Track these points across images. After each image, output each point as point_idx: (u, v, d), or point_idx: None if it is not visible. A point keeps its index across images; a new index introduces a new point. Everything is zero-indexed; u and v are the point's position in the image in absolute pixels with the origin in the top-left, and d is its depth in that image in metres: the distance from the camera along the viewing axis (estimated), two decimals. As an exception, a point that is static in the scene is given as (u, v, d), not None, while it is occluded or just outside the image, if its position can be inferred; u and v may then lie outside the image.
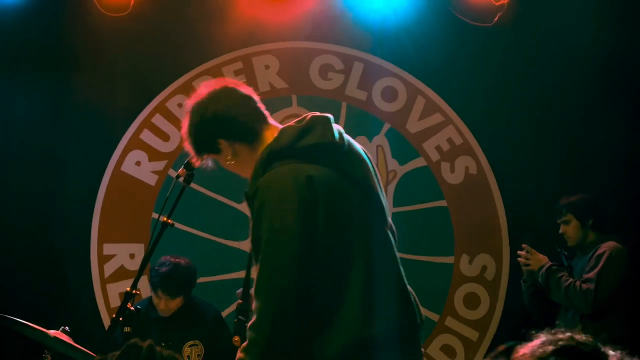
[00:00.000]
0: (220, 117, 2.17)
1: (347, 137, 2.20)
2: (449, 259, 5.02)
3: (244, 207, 4.81)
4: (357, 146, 2.22)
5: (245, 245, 4.77)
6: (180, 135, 4.95)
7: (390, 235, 2.22)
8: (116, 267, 4.87)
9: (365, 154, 2.25)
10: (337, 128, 2.19)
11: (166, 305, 3.87)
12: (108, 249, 4.89)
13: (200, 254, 4.58)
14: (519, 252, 4.29)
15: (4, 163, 4.81)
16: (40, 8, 4.81)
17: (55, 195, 4.80)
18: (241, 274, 5.22)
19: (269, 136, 2.18)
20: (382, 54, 5.04)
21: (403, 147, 5.04)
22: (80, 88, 4.86)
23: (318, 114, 2.19)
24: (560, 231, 4.25)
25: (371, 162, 2.24)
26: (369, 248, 2.10)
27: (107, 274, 4.85)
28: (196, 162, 2.30)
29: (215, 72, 4.94)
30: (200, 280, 4.27)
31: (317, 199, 2.01)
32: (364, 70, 5.06)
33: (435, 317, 4.96)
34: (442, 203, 5.03)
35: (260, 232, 2.02)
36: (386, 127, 5.06)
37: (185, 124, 2.25)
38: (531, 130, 5.01)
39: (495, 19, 5.00)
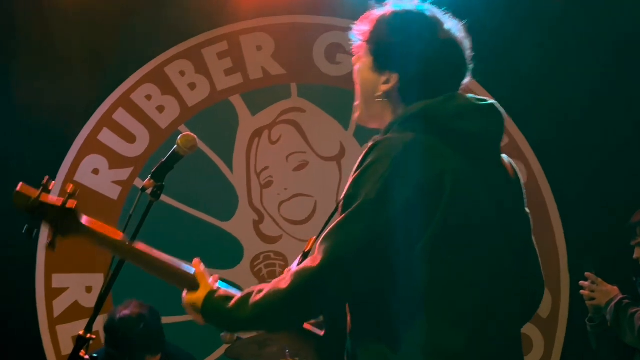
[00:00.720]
0: (412, 49, 2.21)
1: (505, 157, 2.32)
2: None
3: (229, 226, 4.91)
4: (508, 161, 2.32)
5: (231, 274, 4.93)
6: (149, 134, 4.92)
7: (518, 265, 2.28)
8: (68, 303, 4.83)
9: (517, 175, 2.33)
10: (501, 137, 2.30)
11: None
12: (58, 280, 4.83)
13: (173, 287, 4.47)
14: (581, 282, 4.19)
15: None
16: None
17: None
18: None
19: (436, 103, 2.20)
20: None
21: None
22: (22, 78, 4.81)
23: (498, 105, 2.23)
24: (635, 256, 4.14)
25: (518, 181, 2.32)
26: (499, 266, 2.15)
27: (56, 312, 4.81)
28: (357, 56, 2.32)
29: (193, 55, 4.96)
30: (174, 319, 4.31)
31: (440, 190, 2.07)
32: None
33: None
34: None
35: (357, 191, 2.09)
36: None
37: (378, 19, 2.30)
38: (594, 128, 4.95)
39: None
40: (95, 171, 4.87)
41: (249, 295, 2.22)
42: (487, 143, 2.24)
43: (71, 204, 2.42)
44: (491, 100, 2.21)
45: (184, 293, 2.38)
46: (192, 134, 2.62)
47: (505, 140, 4.73)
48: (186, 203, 4.81)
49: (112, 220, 4.77)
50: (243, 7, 4.94)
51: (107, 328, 3.79)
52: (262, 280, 4.86)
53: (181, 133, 4.88)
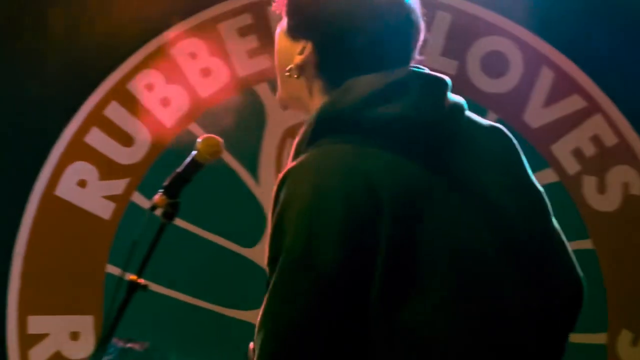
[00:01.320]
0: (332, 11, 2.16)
1: (470, 115, 2.19)
2: (600, 338, 4.94)
3: (254, 254, 4.72)
4: (487, 129, 2.22)
5: (255, 315, 4.46)
6: (151, 135, 4.69)
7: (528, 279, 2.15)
8: (49, 354, 4.65)
9: (507, 144, 2.24)
10: (454, 98, 2.13)
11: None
12: (35, 324, 4.68)
13: (193, 328, 4.66)
14: None
15: None
16: None
17: None
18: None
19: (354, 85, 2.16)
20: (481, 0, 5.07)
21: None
22: None
23: (426, 70, 2.13)
24: None
25: (516, 157, 2.23)
26: (465, 307, 2.06)
27: (30, 330, 4.68)
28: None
29: (208, 31, 4.77)
30: None
31: (376, 212, 1.98)
32: (453, 26, 5.00)
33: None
34: (586, 244, 4.92)
35: (277, 250, 2.02)
36: (491, 117, 4.93)
37: None
38: None
39: None
40: (82, 183, 4.67)
41: None
42: (429, 124, 2.08)
43: None
44: (421, 69, 2.10)
45: None
46: (217, 137, 2.62)
47: (613, 141, 4.69)
48: (200, 225, 4.62)
49: (102, 245, 4.68)
50: None
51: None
52: None
53: (191, 132, 4.75)
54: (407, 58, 2.16)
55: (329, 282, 1.96)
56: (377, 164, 2.00)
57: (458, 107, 2.11)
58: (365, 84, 2.06)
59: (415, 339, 2.02)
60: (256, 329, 2.01)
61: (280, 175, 2.00)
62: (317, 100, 2.18)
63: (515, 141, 2.20)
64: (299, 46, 2.15)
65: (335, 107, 2.04)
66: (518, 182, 2.16)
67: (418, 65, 2.13)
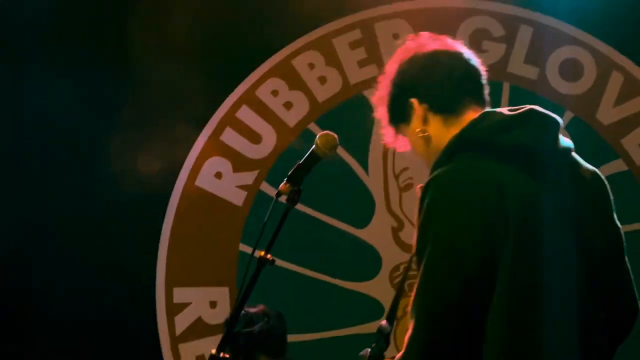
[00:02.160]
0: (417, 77, 2.49)
1: (575, 156, 2.47)
2: None
3: (365, 234, 5.20)
4: (589, 171, 2.48)
5: (369, 287, 5.26)
6: (276, 134, 5.22)
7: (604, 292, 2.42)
8: (192, 320, 5.15)
9: (603, 186, 2.50)
10: (565, 140, 2.42)
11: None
12: (180, 295, 5.16)
13: (312, 299, 5.03)
14: None
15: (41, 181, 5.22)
16: None
17: (108, 223, 5.13)
18: (364, 329, 5.45)
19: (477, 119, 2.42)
20: (560, 14, 5.39)
21: (593, 145, 5.34)
22: (138, 76, 5.17)
23: (540, 109, 2.40)
24: None
25: (608, 199, 2.49)
26: (566, 306, 2.29)
27: (179, 330, 5.14)
28: (389, 139, 2.63)
29: (324, 45, 5.30)
30: (308, 337, 4.79)
31: (504, 218, 2.22)
32: (534, 37, 5.43)
33: None
34: None
35: (424, 243, 2.26)
36: (568, 116, 5.38)
37: (382, 84, 2.61)
38: None
39: None
40: (218, 175, 5.21)
41: None
42: (545, 153, 2.36)
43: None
44: (528, 106, 2.37)
45: None
46: (333, 133, 2.87)
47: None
48: (317, 209, 5.09)
49: (236, 227, 5.19)
50: None
51: (228, 321, 4.05)
52: (403, 294, 4.98)
53: (310, 131, 5.14)
54: (482, 101, 2.50)
55: (468, 261, 2.22)
56: (506, 177, 2.27)
57: (567, 147, 2.44)
58: (493, 116, 2.38)
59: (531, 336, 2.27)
60: (411, 305, 2.28)
61: (424, 184, 2.29)
62: (441, 134, 2.48)
63: (608, 187, 2.51)
64: (412, 117, 2.51)
65: (475, 130, 2.35)
66: (606, 222, 2.47)
67: (540, 108, 2.42)
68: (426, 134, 2.49)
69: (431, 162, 2.43)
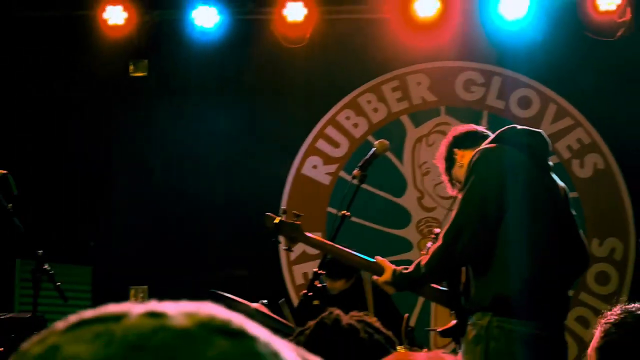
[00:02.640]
0: (456, 138, 3.97)
1: (553, 174, 3.70)
2: None
3: (401, 201, 7.31)
4: (557, 179, 3.74)
5: (403, 232, 7.40)
6: (349, 142, 7.62)
7: (569, 238, 3.64)
8: (300, 252, 7.33)
9: (564, 189, 3.77)
10: (551, 146, 3.76)
11: (331, 285, 5.49)
12: None
13: (368, 240, 7.04)
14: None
15: (211, 171, 7.48)
16: (234, 44, 7.53)
17: (249, 194, 7.36)
18: (398, 257, 7.00)
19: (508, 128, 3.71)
20: (516, 68, 7.31)
21: None
22: (266, 107, 7.46)
23: (543, 133, 3.76)
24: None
25: (565, 191, 3.76)
26: (550, 231, 3.52)
27: (292, 257, 7.38)
28: (447, 184, 4.00)
29: (376, 90, 7.49)
30: None
31: (519, 174, 3.47)
32: (502, 83, 7.39)
33: (570, 292, 7.05)
34: (574, 194, 6.93)
35: (465, 183, 3.50)
36: None
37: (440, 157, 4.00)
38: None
39: (619, 34, 7.19)
40: (314, 167, 7.47)
41: (419, 262, 3.60)
42: (541, 155, 3.60)
43: (298, 222, 3.78)
44: (539, 130, 3.72)
45: (374, 277, 3.77)
46: (386, 141, 4.00)
47: (588, 140, 7.29)
48: (372, 186, 7.19)
49: (325, 198, 7.34)
50: (408, 57, 7.39)
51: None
52: (424, 236, 7.23)
53: (369, 141, 7.17)
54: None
55: (491, 193, 3.39)
56: (517, 157, 3.46)
57: (550, 152, 3.72)
58: (516, 129, 3.62)
59: (521, 243, 3.42)
60: (453, 213, 3.48)
61: (474, 154, 3.50)
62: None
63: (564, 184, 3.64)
64: (460, 154, 3.77)
65: (502, 135, 3.60)
66: (566, 195, 3.68)
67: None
68: (464, 161, 3.67)
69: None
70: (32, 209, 6.10)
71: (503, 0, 7.18)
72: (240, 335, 0.70)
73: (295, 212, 3.94)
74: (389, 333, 2.26)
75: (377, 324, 2.26)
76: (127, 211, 7.46)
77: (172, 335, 0.68)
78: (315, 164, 7.56)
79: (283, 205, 7.35)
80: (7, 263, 6.95)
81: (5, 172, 4.54)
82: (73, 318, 0.72)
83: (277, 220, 3.88)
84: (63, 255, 6.50)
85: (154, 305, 0.72)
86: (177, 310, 0.71)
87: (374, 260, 3.83)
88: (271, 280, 7.21)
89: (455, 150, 3.77)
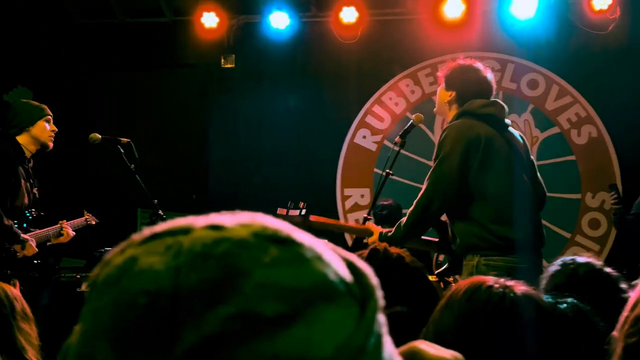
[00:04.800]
0: (461, 80, 4.23)
1: (510, 128, 4.09)
2: (578, 196, 8.49)
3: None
4: (516, 132, 4.13)
5: None
6: (391, 117, 9.11)
7: (528, 179, 4.03)
8: (352, 203, 8.72)
9: (521, 137, 4.11)
10: (507, 117, 4.12)
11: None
12: (347, 191, 8.75)
13: (404, 194, 8.19)
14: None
15: (284, 139, 8.92)
16: (301, 41, 9.01)
17: (314, 157, 8.84)
18: None
19: (471, 102, 4.02)
20: (526, 57, 8.43)
21: (543, 120, 8.37)
22: (327, 90, 8.86)
23: (500, 102, 4.12)
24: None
25: (523, 139, 4.14)
26: (514, 177, 3.91)
27: (347, 207, 8.72)
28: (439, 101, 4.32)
29: (413, 76, 8.81)
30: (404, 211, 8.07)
31: (479, 142, 3.89)
32: (514, 69, 8.50)
33: (568, 235, 8.59)
34: (572, 157, 8.52)
35: (437, 155, 3.98)
36: (530, 107, 8.47)
37: (444, 73, 4.34)
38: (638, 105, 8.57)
39: (610, 28, 8.44)
40: (364, 137, 8.72)
41: (399, 223, 4.02)
42: (499, 119, 4.00)
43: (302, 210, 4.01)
44: (495, 99, 4.03)
45: (366, 239, 4.20)
46: (421, 115, 4.50)
47: (584, 113, 8.49)
48: (409, 151, 8.45)
49: (372, 161, 8.62)
50: (439, 48, 8.58)
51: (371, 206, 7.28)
52: None
53: (407, 116, 8.77)
54: (489, 96, 4.09)
55: (454, 168, 3.83)
56: (482, 128, 3.93)
57: (507, 122, 4.15)
58: (478, 102, 4.05)
59: (490, 193, 3.94)
60: (427, 178, 3.93)
61: (443, 131, 4.03)
62: (454, 110, 4.07)
63: (525, 139, 4.05)
64: (448, 94, 4.18)
65: (469, 107, 4.05)
66: (527, 153, 4.18)
67: (501, 102, 4.09)
68: (446, 106, 4.13)
69: (448, 120, 4.08)
70: (148, 171, 7.03)
71: (515, 2, 8.25)
72: (289, 242, 0.71)
73: (301, 202, 4.28)
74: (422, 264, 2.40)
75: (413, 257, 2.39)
76: (220, 172, 8.80)
77: (231, 245, 0.69)
78: (365, 134, 8.77)
79: (339, 167, 8.98)
80: (131, 211, 8.13)
81: (128, 140, 5.27)
82: (147, 232, 0.73)
83: (283, 213, 4.27)
84: (172, 205, 7.36)
85: (215, 218, 0.73)
86: (234, 221, 0.72)
87: (365, 226, 4.39)
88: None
89: (449, 91, 4.29)
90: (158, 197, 5.19)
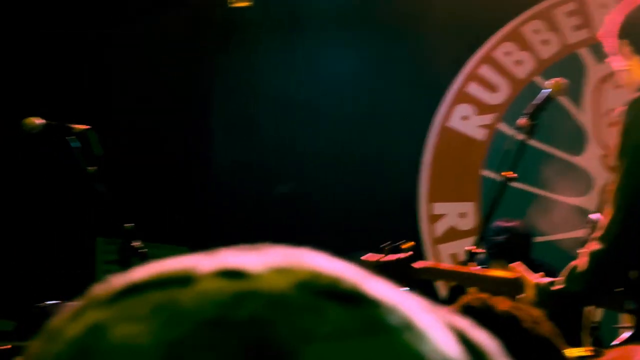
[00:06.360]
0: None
1: None
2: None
3: (582, 161, 6.23)
4: None
5: (586, 201, 6.27)
6: (509, 85, 6.49)
7: None
8: (446, 227, 6.49)
9: None
10: None
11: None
12: (438, 208, 6.52)
13: (537, 212, 6.04)
14: None
15: (335, 122, 6.78)
16: None
17: (380, 153, 6.57)
18: (579, 233, 6.08)
19: None
20: None
21: None
22: (402, 42, 6.61)
23: None
24: None
25: None
26: None
27: (437, 233, 6.49)
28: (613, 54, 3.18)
29: (546, 16, 6.44)
30: (538, 240, 5.50)
31: None
32: None
33: None
34: None
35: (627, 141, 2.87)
36: None
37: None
38: None
39: None
40: (465, 117, 6.53)
41: (574, 267, 2.90)
42: None
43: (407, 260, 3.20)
44: None
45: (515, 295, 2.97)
46: (564, 80, 3.37)
47: None
48: (540, 140, 5.94)
49: (478, 156, 6.43)
50: None
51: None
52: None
53: (535, 83, 5.99)
54: None
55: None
56: None
57: None
58: None
59: None
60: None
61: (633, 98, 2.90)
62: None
63: None
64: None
65: None
66: None
67: None
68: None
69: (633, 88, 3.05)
70: (118, 177, 5.54)
71: None
72: (358, 298, 0.54)
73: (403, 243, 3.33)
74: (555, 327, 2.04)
75: (539, 313, 2.05)
76: (231, 179, 7.11)
77: (262, 305, 0.53)
78: (466, 114, 6.61)
79: (425, 168, 6.65)
80: (87, 242, 6.65)
81: (87, 127, 4.33)
82: (118, 282, 0.56)
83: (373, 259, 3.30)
84: (157, 233, 6.05)
85: (230, 258, 0.55)
86: (263, 263, 0.55)
87: (513, 274, 3.19)
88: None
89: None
90: (134, 220, 4.38)
